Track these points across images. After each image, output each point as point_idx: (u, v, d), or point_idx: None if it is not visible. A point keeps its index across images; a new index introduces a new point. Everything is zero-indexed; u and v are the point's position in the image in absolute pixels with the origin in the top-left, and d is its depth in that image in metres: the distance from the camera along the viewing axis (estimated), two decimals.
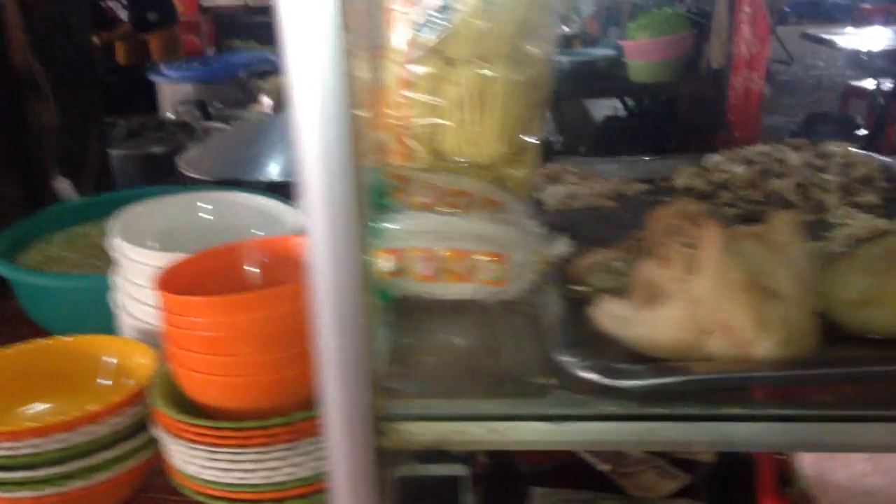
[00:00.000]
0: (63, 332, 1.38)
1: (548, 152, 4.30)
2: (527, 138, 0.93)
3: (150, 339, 1.14)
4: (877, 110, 5.14)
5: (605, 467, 1.00)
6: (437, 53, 0.90)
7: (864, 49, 5.48)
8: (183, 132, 3.42)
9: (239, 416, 0.93)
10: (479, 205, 0.86)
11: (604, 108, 6.95)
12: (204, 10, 6.98)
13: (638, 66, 4.34)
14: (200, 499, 0.96)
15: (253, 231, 1.26)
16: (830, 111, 5.35)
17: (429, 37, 0.89)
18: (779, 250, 0.66)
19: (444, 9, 0.87)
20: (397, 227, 0.81)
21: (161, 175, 2.64)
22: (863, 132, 4.76)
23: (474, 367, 0.72)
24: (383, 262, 0.81)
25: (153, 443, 1.02)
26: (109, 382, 1.09)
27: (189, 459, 0.94)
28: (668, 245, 0.69)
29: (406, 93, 0.91)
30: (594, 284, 0.80)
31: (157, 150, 2.91)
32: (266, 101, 2.33)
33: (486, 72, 0.87)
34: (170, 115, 3.82)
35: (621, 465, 1.01)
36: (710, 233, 0.65)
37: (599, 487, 1.00)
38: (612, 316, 0.69)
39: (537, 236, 0.83)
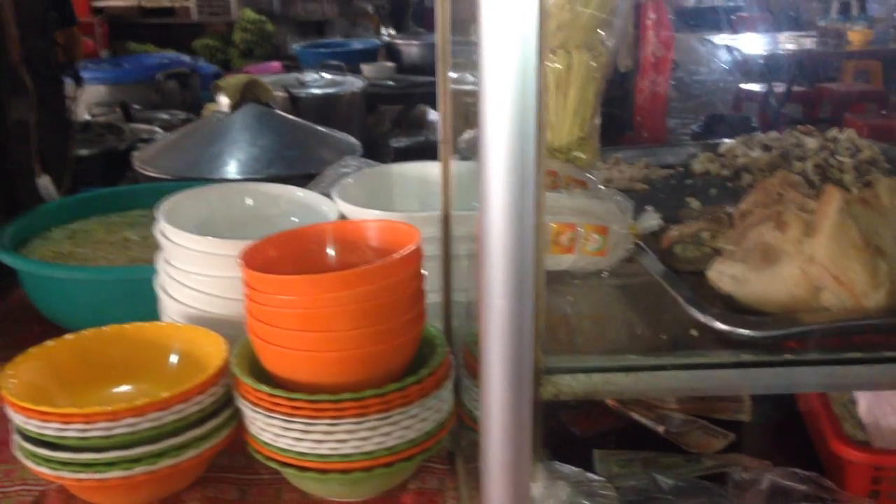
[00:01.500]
0: (81, 327, 1.38)
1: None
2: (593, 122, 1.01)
3: (198, 323, 1.17)
4: (769, 111, 5.46)
5: (659, 428, 1.09)
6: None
7: (754, 53, 5.80)
8: (110, 133, 3.35)
9: (328, 391, 0.97)
10: (565, 183, 0.93)
11: None
12: (96, 12, 6.78)
13: None
14: (290, 471, 1.00)
15: (293, 219, 1.29)
16: (726, 113, 5.63)
17: None
18: (883, 212, 0.76)
19: None
20: None
21: (117, 173, 2.60)
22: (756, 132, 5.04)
23: (609, 325, 0.79)
24: None
25: (231, 421, 1.05)
26: (177, 366, 1.11)
27: (282, 433, 0.98)
28: (784, 209, 0.78)
29: None
30: (684, 255, 0.88)
31: (113, 148, 2.87)
32: (223, 101, 2.33)
33: (568, 59, 0.95)
34: (86, 117, 3.73)
35: (671, 426, 1.10)
36: (831, 197, 0.74)
37: (655, 448, 1.08)
38: (728, 276, 0.78)
39: (629, 211, 0.91)
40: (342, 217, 1.24)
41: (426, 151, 4.25)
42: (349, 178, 1.34)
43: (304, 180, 2.19)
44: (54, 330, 1.45)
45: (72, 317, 1.39)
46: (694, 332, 0.75)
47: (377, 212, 1.18)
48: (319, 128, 2.48)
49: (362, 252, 1.08)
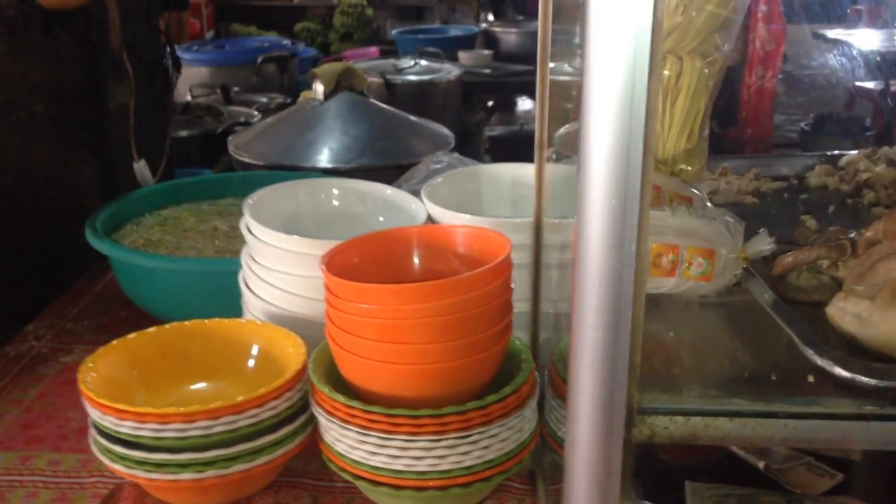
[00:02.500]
0: (166, 314, 1.38)
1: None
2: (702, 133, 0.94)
3: (280, 322, 1.14)
4: (885, 112, 5.19)
5: (759, 463, 1.02)
6: None
7: (870, 49, 5.53)
8: (209, 115, 3.39)
9: (406, 404, 0.93)
10: (669, 199, 0.87)
11: None
12: None
13: None
14: (363, 484, 0.97)
15: (380, 219, 1.26)
16: (837, 112, 5.40)
17: None
18: None
19: None
20: None
21: (213, 156, 2.63)
22: (870, 134, 4.81)
23: (711, 359, 0.73)
24: None
25: (306, 427, 1.02)
26: (255, 365, 1.09)
27: (357, 446, 0.95)
28: None
29: None
30: (798, 283, 0.81)
31: (211, 130, 2.91)
32: (318, 88, 2.31)
33: (678, 66, 0.88)
34: (188, 99, 3.79)
35: (772, 462, 1.03)
36: None
37: (753, 483, 1.01)
38: (851, 314, 0.71)
39: (740, 234, 0.85)
40: (430, 219, 1.20)
41: (521, 142, 4.21)
42: (439, 177, 1.29)
43: (395, 172, 2.16)
44: (140, 315, 1.46)
45: (156, 304, 1.39)
46: (810, 378, 0.68)
47: (466, 216, 1.14)
48: (413, 118, 2.45)
49: (448, 259, 1.03)
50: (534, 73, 4.14)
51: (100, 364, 1.03)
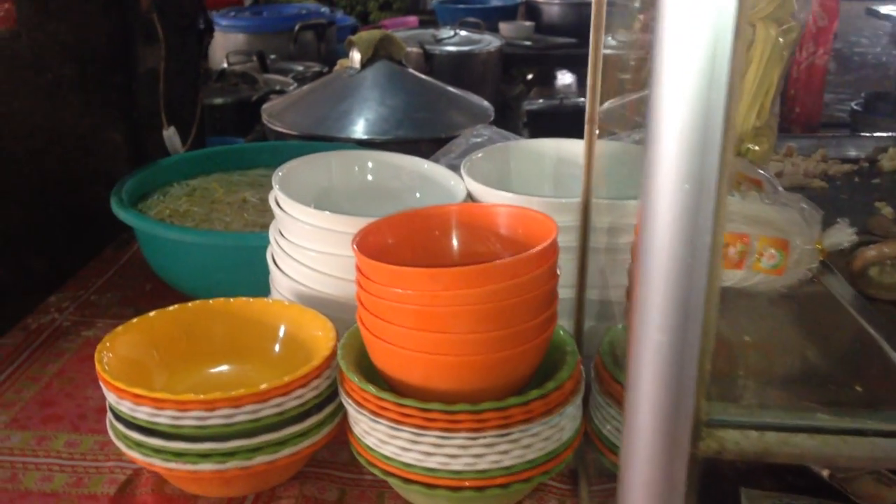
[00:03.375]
0: (191, 288, 1.32)
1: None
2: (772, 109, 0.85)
3: (308, 302, 1.08)
4: None
5: (823, 471, 0.94)
6: None
7: None
8: (244, 83, 3.33)
9: (441, 397, 0.87)
10: (736, 182, 0.79)
11: None
12: None
13: None
14: (394, 480, 0.90)
15: (416, 195, 1.19)
16: (891, 91, 5.23)
17: None
18: None
19: None
20: None
21: (248, 124, 2.56)
22: None
23: (783, 362, 0.65)
24: None
25: (334, 417, 0.96)
26: (281, 349, 1.02)
27: (387, 440, 0.88)
28: None
29: (647, 56, 0.84)
30: (880, 278, 0.73)
31: (246, 98, 2.85)
32: (355, 56, 2.23)
33: (750, 34, 0.80)
34: (224, 66, 3.73)
35: (837, 470, 0.95)
36: None
37: (815, 493, 0.93)
38: None
39: (817, 223, 0.76)
40: (469, 196, 1.13)
41: (560, 117, 4.11)
42: (479, 152, 1.22)
43: (433, 145, 2.08)
44: (166, 289, 1.40)
45: (182, 278, 1.33)
46: None
47: (508, 194, 1.06)
48: (452, 89, 2.37)
49: (489, 241, 0.96)
50: (576, 45, 4.08)
51: (118, 343, 0.97)
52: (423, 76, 2.35)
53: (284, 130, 2.06)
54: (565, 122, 4.95)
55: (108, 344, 0.96)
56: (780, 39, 0.81)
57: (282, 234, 1.14)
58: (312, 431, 0.93)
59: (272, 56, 3.95)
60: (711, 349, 0.56)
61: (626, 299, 0.91)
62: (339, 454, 1.03)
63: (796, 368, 0.65)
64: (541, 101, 5.26)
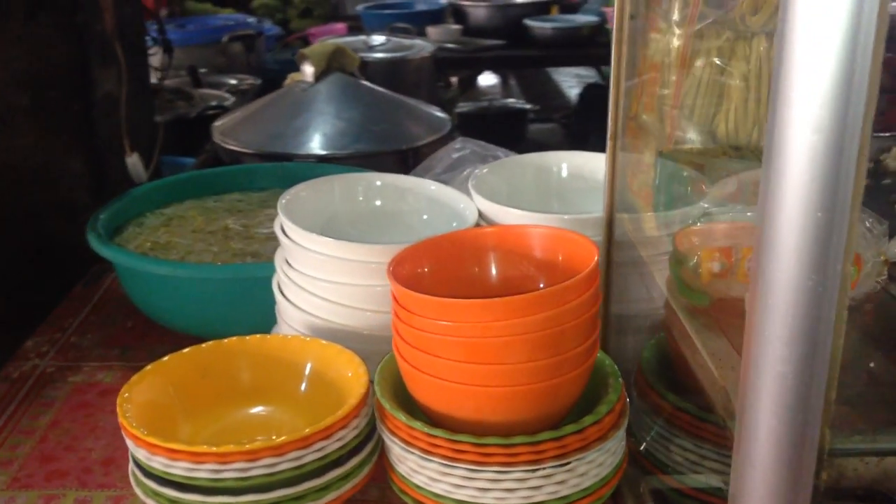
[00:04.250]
0: (183, 325, 1.26)
1: (522, 121, 4.22)
2: None
3: (320, 333, 1.04)
4: None
5: None
6: (729, 23, 0.81)
7: None
8: (180, 99, 3.25)
9: (492, 429, 0.84)
10: None
11: (565, 76, 6.91)
12: None
13: None
14: None
15: (423, 217, 1.15)
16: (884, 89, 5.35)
17: (721, 7, 0.80)
18: None
19: None
20: (730, 223, 0.73)
21: (191, 143, 2.47)
22: None
23: (882, 384, 0.65)
24: (711, 262, 0.72)
25: (373, 455, 0.92)
26: (306, 388, 0.98)
27: (440, 478, 0.85)
28: None
29: (686, 69, 0.82)
30: None
31: (184, 115, 2.76)
32: (308, 70, 2.18)
33: None
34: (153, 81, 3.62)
35: None
36: None
37: None
38: None
39: (883, 233, 0.76)
40: (480, 216, 1.10)
41: (489, 119, 4.06)
42: (484, 168, 1.19)
43: (394, 158, 2.05)
44: (149, 326, 1.34)
45: (173, 314, 1.27)
46: None
47: (527, 213, 1.04)
48: (407, 100, 2.34)
49: (522, 264, 0.94)
50: (504, 47, 4.07)
51: (137, 393, 0.92)
52: (377, 88, 2.32)
53: (239, 149, 2.00)
54: (494, 123, 4.94)
55: (126, 395, 0.90)
56: None
57: (289, 264, 1.09)
58: (353, 473, 0.89)
59: (202, 70, 3.85)
60: (836, 377, 0.55)
61: (664, 311, 0.89)
62: (368, 492, 0.99)
63: (889, 387, 0.65)
64: (470, 103, 5.26)
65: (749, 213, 0.74)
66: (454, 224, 1.11)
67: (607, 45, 3.89)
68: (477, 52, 4.44)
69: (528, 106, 5.62)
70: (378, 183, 1.17)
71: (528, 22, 4.43)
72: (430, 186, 1.16)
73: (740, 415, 0.57)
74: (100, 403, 1.16)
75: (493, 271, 0.94)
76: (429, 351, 0.84)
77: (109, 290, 1.48)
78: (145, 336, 1.34)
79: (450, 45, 4.43)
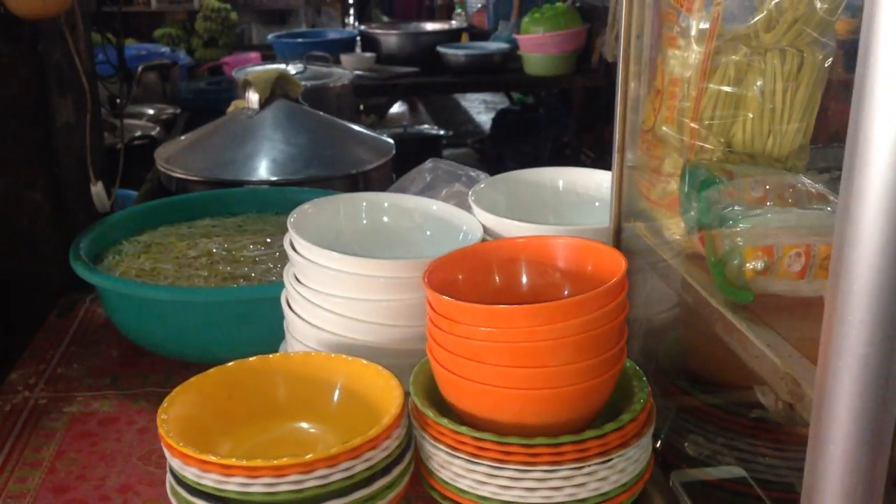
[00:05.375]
0: (177, 352, 1.26)
1: (437, 146, 4.28)
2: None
3: (331, 349, 1.06)
4: None
5: None
6: (745, 40, 0.87)
7: None
8: (106, 129, 3.18)
9: (519, 431, 0.87)
10: (806, 197, 0.84)
11: (473, 102, 7.04)
12: None
13: (534, 59, 4.43)
14: None
15: (427, 233, 1.18)
16: None
17: (737, 24, 0.86)
18: None
19: None
20: (767, 224, 0.78)
21: (116, 173, 2.42)
22: None
23: None
24: (754, 261, 0.78)
25: (402, 477, 0.93)
26: (336, 406, 0.99)
27: (488, 480, 0.87)
28: None
29: (706, 83, 0.88)
30: None
31: (111, 146, 2.70)
32: (252, 97, 2.18)
33: (799, 59, 0.86)
34: None
35: None
36: None
37: None
38: None
39: None
40: (485, 230, 1.14)
41: (405, 144, 4.11)
42: (481, 184, 1.23)
43: (345, 181, 2.07)
44: (136, 353, 1.33)
45: (170, 341, 1.26)
46: None
47: (544, 227, 1.08)
48: (351, 125, 2.36)
49: (549, 273, 0.97)
50: (418, 74, 4.15)
51: (175, 408, 0.91)
52: (322, 114, 2.33)
53: (187, 176, 1.99)
54: (410, 149, 4.99)
55: (164, 417, 0.90)
56: (826, 64, 0.87)
57: (299, 281, 1.10)
58: (380, 495, 0.89)
59: (117, 100, 3.77)
60: None
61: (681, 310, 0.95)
62: None
63: None
64: (385, 130, 5.30)
65: (782, 214, 0.80)
66: (459, 239, 1.14)
67: (518, 72, 4.00)
68: (392, 79, 4.50)
69: (441, 132, 5.72)
70: (385, 204, 1.20)
71: (441, 49, 4.51)
72: (433, 206, 1.19)
73: (819, 396, 0.62)
74: (103, 432, 1.15)
75: (522, 280, 0.98)
76: (472, 357, 0.87)
77: (86, 319, 1.45)
78: (134, 363, 1.32)
79: (364, 73, 4.46)
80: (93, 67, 1.75)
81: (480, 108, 6.91)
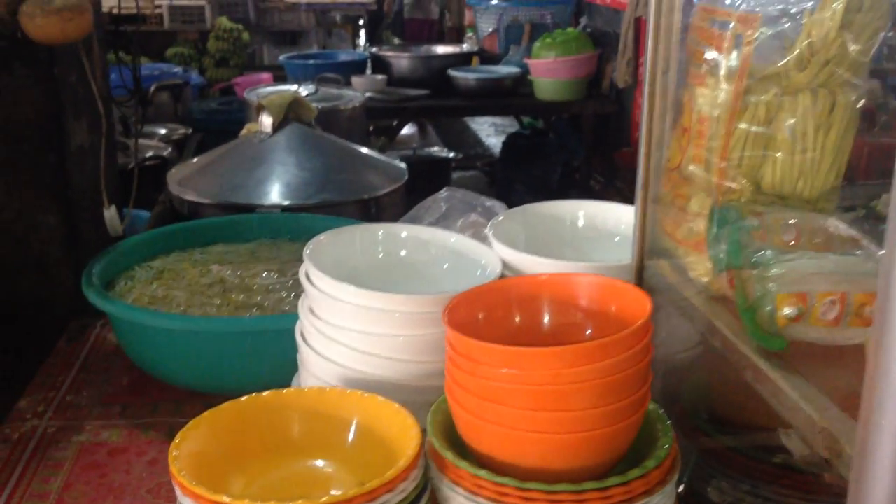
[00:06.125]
0: (187, 382, 1.24)
1: (446, 169, 4.24)
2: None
3: (348, 384, 1.04)
4: None
5: None
6: (776, 80, 0.86)
7: None
8: (119, 149, 3.18)
9: (557, 477, 0.85)
10: (838, 241, 0.82)
11: (482, 125, 7.04)
12: None
13: (544, 84, 4.42)
14: None
15: (444, 266, 1.16)
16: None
17: (767, 63, 0.85)
18: None
19: (789, 31, 0.83)
20: (800, 270, 0.76)
21: (128, 194, 2.42)
22: None
23: None
24: (786, 308, 0.76)
25: None
26: (352, 444, 0.97)
27: None
28: None
29: (735, 122, 0.86)
30: None
31: (123, 167, 2.69)
32: (266, 120, 2.17)
33: (832, 100, 0.84)
34: None
35: None
36: None
37: None
38: None
39: None
40: (504, 265, 1.12)
41: (415, 166, 4.09)
42: (500, 216, 1.21)
43: (358, 206, 2.06)
44: (146, 381, 1.31)
45: (181, 370, 1.25)
46: None
47: (565, 263, 1.06)
48: (364, 150, 2.35)
49: (570, 312, 0.96)
50: (429, 97, 4.13)
51: (187, 444, 0.89)
52: (335, 138, 2.32)
53: (199, 199, 1.97)
54: (419, 171, 4.96)
55: (175, 454, 0.88)
56: (858, 105, 0.86)
57: (314, 314, 1.08)
58: None
59: (134, 122, 3.78)
60: None
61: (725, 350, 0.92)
62: None
63: None
64: (395, 152, 5.30)
65: (815, 260, 0.78)
66: (477, 273, 1.12)
67: (529, 96, 3.95)
68: (403, 101, 4.49)
69: (451, 154, 5.71)
70: (403, 234, 1.18)
71: (452, 73, 4.51)
72: (451, 238, 1.17)
73: (861, 453, 0.60)
74: (112, 464, 1.13)
75: (543, 319, 0.96)
76: (494, 399, 0.85)
77: (96, 345, 1.44)
78: (144, 392, 1.30)
79: (375, 95, 4.46)
80: (108, 90, 1.74)
81: (490, 131, 6.91)
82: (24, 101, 1.52)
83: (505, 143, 5.36)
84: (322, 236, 1.14)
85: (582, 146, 4.85)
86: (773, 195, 0.89)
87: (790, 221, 0.83)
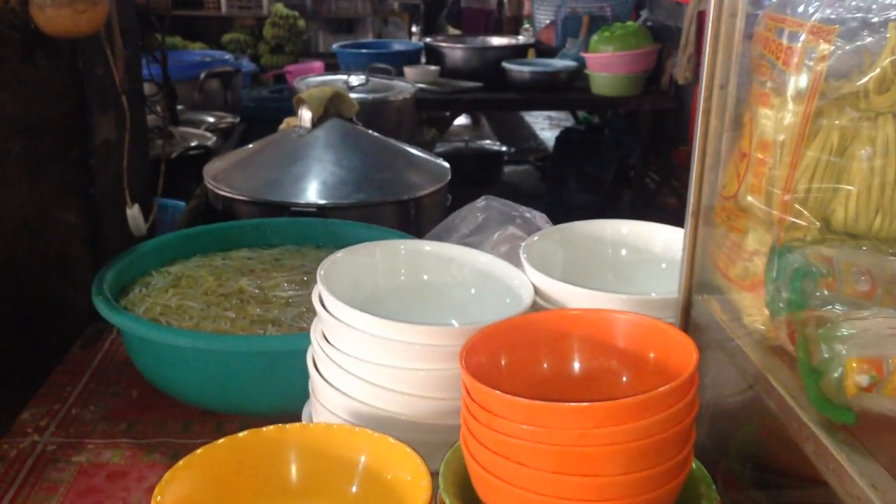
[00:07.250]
0: (197, 400, 1.17)
1: (498, 163, 4.16)
2: None
3: (360, 418, 0.95)
4: None
5: None
6: (852, 102, 0.74)
7: None
8: (160, 137, 3.13)
9: None
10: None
11: (537, 117, 6.91)
12: None
13: (601, 79, 4.29)
14: None
15: (472, 291, 1.07)
16: None
17: (843, 82, 0.73)
18: None
19: (870, 45, 0.72)
20: (875, 330, 0.65)
21: (168, 184, 2.35)
22: None
23: None
24: (858, 375, 0.65)
25: None
26: (357, 490, 0.88)
27: None
28: None
29: (803, 149, 0.75)
30: None
31: (166, 156, 2.64)
32: (305, 115, 2.09)
33: None
34: None
35: None
36: None
37: None
38: None
39: None
40: (536, 291, 1.01)
41: (464, 160, 3.95)
42: (535, 237, 1.11)
43: (395, 208, 1.97)
44: (155, 395, 1.24)
45: (189, 388, 1.17)
46: None
47: (604, 294, 0.95)
48: (407, 147, 2.26)
49: (604, 355, 0.85)
50: (482, 90, 4.00)
51: (169, 493, 0.81)
52: (376, 134, 2.23)
53: (233, 195, 1.90)
54: (470, 164, 4.85)
55: (158, 499, 0.80)
56: None
57: (327, 340, 0.99)
58: None
59: (178, 106, 3.75)
60: None
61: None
62: None
63: None
64: (445, 144, 5.21)
65: (893, 318, 0.67)
66: (507, 300, 1.02)
67: (585, 90, 3.81)
68: (455, 93, 4.39)
69: (503, 148, 5.60)
70: (427, 249, 1.09)
71: (506, 65, 4.39)
72: (481, 258, 1.07)
73: None
74: (110, 489, 1.05)
75: (573, 363, 0.85)
76: (512, 458, 0.75)
77: (110, 352, 1.37)
78: (152, 408, 1.23)
79: (427, 87, 4.37)
80: (138, 84, 1.67)
81: (545, 125, 6.78)
82: (46, 93, 1.45)
83: (558, 139, 5.23)
84: (339, 254, 1.05)
85: (638, 143, 4.71)
86: (844, 235, 0.77)
87: (865, 268, 0.71)
